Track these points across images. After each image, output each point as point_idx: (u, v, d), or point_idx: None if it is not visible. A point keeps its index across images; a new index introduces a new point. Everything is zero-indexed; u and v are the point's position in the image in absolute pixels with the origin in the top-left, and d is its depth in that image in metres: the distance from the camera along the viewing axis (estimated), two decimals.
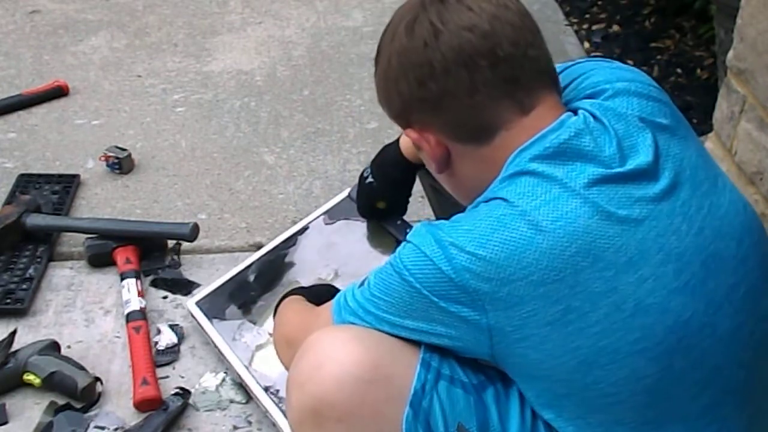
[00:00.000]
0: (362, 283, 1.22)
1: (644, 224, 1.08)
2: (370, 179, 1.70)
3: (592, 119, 1.14)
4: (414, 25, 1.17)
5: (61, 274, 2.00)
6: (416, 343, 1.17)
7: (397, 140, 1.67)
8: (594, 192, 1.08)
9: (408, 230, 1.37)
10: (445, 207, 1.22)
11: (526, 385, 1.15)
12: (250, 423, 1.66)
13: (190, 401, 1.68)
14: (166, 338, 1.82)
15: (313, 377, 1.15)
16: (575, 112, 1.17)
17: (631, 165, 1.10)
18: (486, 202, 1.13)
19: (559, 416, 1.13)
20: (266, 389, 1.63)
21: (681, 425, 1.11)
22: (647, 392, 1.08)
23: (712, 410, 1.11)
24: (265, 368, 1.66)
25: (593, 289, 1.06)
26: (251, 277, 1.86)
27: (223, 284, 1.86)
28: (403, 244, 1.16)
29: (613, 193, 1.08)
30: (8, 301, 1.89)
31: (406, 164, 1.65)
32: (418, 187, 1.73)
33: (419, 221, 1.23)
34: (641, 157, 1.11)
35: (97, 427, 1.64)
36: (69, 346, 1.80)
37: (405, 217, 1.77)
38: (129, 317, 1.82)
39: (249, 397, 1.69)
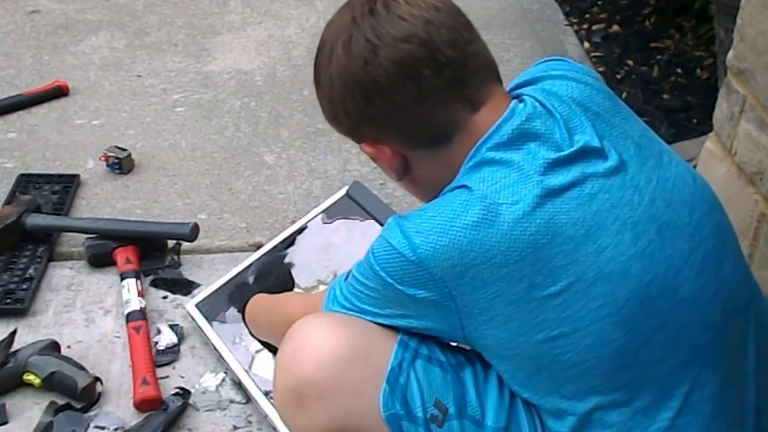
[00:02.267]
0: (347, 276, 1.26)
1: (597, 197, 1.11)
2: None
3: (538, 104, 1.17)
4: (350, 44, 1.18)
5: (61, 274, 2.00)
6: (395, 328, 1.21)
7: None
8: (549, 173, 1.11)
9: None
10: None
11: (500, 367, 1.18)
12: (250, 423, 1.66)
13: (190, 401, 1.68)
14: (166, 338, 1.82)
15: (295, 358, 1.20)
16: (519, 99, 1.20)
17: (579, 144, 1.14)
18: (451, 191, 1.16)
19: (535, 394, 1.16)
20: (266, 393, 1.63)
21: (652, 387, 1.13)
22: (615, 357, 1.11)
23: (682, 370, 1.13)
24: (265, 372, 1.66)
25: (554, 263, 1.09)
26: (251, 279, 1.86)
27: (223, 286, 1.86)
28: (377, 237, 1.19)
29: (566, 171, 1.11)
30: (8, 301, 1.89)
31: None
32: None
33: None
34: (587, 137, 1.15)
35: (97, 427, 1.64)
36: (69, 346, 1.80)
37: None
38: (129, 317, 1.82)
39: (249, 397, 1.69)
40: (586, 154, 1.13)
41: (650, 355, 1.12)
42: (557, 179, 1.11)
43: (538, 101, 1.18)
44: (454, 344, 1.24)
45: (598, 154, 1.14)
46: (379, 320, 1.21)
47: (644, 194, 1.14)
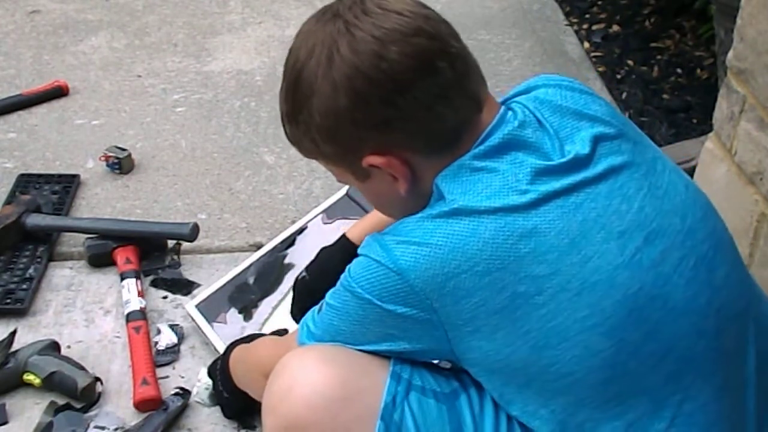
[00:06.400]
0: (320, 308, 1.21)
1: (583, 206, 1.10)
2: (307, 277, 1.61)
3: (529, 113, 1.16)
4: (356, 44, 1.10)
5: (61, 274, 2.00)
6: (386, 356, 1.17)
7: (340, 240, 1.60)
8: (536, 182, 1.09)
9: None
10: None
11: (490, 384, 1.15)
12: None
13: (190, 401, 1.68)
14: (166, 338, 1.82)
15: (284, 400, 1.15)
16: (508, 107, 1.18)
17: (570, 154, 1.12)
18: (428, 202, 1.13)
19: (524, 411, 1.13)
20: None
21: (644, 397, 1.11)
22: (604, 368, 1.09)
23: (674, 380, 1.11)
24: None
25: (537, 272, 1.07)
26: (251, 280, 1.86)
27: (223, 286, 1.86)
28: (354, 259, 1.15)
29: (554, 181, 1.10)
30: (8, 301, 1.89)
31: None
32: None
33: None
34: (578, 147, 1.13)
35: (97, 427, 1.64)
36: (69, 346, 1.80)
37: None
38: (129, 317, 1.82)
39: None
40: (575, 163, 1.11)
41: (640, 365, 1.10)
42: (543, 188, 1.09)
43: (528, 110, 1.16)
44: (447, 368, 1.21)
45: (587, 161, 1.12)
46: (362, 349, 1.17)
47: (633, 202, 1.11)
